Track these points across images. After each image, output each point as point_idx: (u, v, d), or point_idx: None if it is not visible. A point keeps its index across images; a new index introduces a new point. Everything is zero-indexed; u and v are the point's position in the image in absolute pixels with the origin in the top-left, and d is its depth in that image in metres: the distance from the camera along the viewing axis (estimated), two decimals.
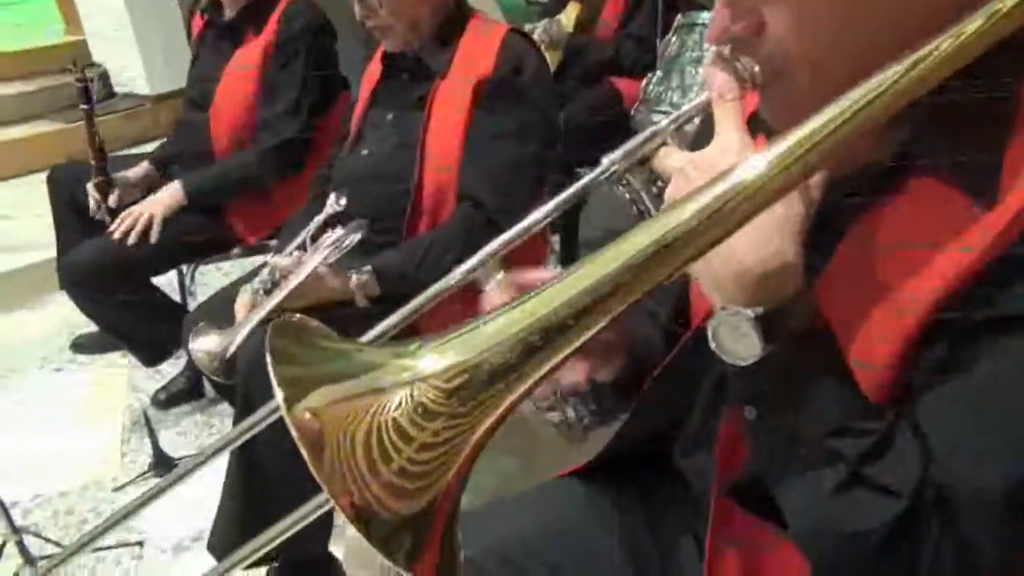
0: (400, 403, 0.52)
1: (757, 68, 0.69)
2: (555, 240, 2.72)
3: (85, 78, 2.36)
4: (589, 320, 0.54)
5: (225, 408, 2.33)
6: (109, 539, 1.92)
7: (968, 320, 0.61)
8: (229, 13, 2.33)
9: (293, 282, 1.48)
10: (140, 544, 1.90)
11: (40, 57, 4.64)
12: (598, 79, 3.05)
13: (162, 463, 2.14)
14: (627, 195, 2.30)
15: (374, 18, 1.70)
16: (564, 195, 0.79)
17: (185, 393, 2.43)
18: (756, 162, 0.57)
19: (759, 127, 0.76)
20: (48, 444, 2.29)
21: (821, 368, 0.64)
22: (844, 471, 0.62)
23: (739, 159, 0.59)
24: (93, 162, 2.30)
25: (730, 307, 0.63)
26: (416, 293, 1.69)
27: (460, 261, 1.61)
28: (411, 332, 0.66)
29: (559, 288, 0.55)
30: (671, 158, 0.71)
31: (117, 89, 4.57)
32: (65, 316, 2.81)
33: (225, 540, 1.65)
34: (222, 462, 1.71)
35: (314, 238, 1.56)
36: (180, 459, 2.18)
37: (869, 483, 0.62)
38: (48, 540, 1.81)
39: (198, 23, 2.48)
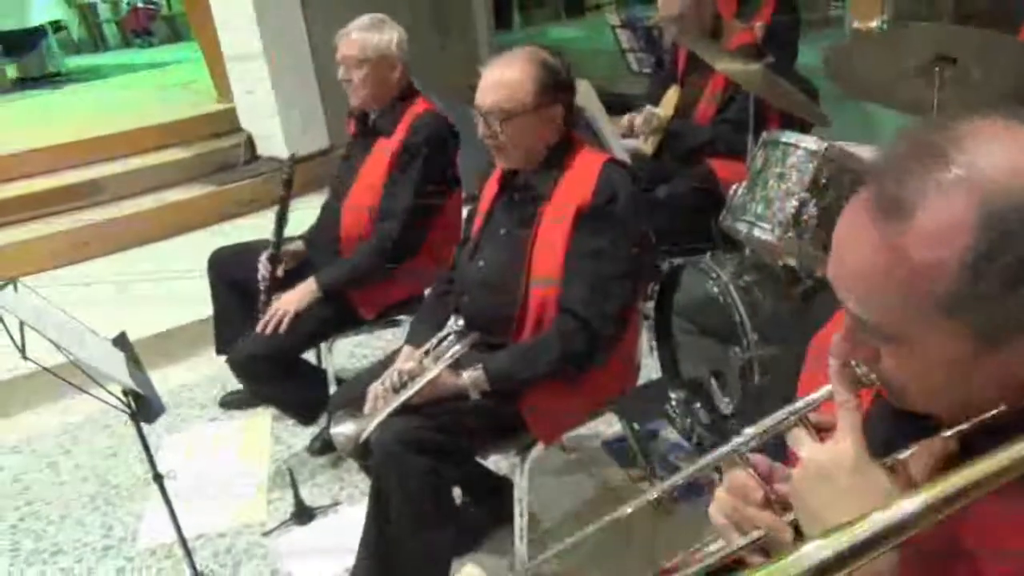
0: None
1: (874, 376, 0.81)
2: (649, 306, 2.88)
3: (291, 172, 2.75)
4: None
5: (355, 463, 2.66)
6: None
7: None
8: (373, 116, 2.69)
9: (417, 385, 1.80)
10: None
11: (195, 125, 5.23)
12: (696, 160, 3.28)
13: (302, 512, 2.50)
14: (715, 288, 2.50)
15: (494, 139, 1.95)
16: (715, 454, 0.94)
17: (329, 445, 2.78)
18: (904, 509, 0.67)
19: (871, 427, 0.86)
20: (208, 488, 2.70)
21: None
22: None
23: (848, 467, 0.77)
24: (274, 238, 2.69)
25: None
26: (518, 389, 1.95)
27: (557, 364, 1.88)
28: None
29: None
30: (800, 445, 0.84)
31: (260, 152, 5.10)
32: (217, 372, 3.24)
33: None
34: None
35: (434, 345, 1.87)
36: (318, 508, 2.53)
37: None
38: None
39: (351, 125, 2.83)
